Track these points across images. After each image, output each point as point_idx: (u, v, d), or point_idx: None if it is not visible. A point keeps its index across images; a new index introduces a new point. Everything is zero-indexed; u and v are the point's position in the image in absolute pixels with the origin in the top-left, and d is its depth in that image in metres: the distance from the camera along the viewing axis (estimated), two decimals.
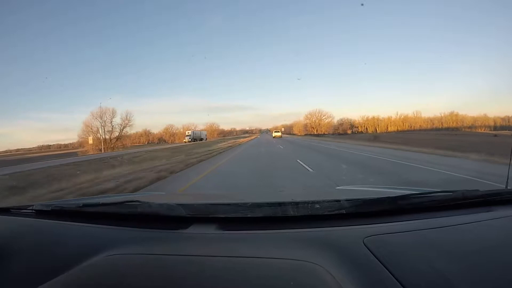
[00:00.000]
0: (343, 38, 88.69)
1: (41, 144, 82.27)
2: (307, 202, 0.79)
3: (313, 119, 75.60)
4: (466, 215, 0.80)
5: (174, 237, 0.75)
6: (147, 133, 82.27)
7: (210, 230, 0.75)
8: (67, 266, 0.64)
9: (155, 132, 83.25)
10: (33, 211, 0.97)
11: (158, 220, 0.82)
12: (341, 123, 75.20)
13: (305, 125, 77.04)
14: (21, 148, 75.04)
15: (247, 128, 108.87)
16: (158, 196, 1.51)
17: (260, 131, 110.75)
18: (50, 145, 79.98)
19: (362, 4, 51.37)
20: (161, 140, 72.66)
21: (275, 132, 47.68)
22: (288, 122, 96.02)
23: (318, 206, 0.77)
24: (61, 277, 0.60)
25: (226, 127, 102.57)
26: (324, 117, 75.72)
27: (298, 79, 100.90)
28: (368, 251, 0.61)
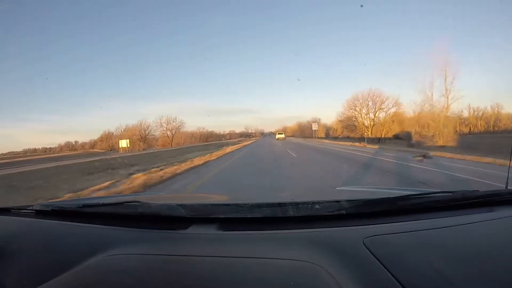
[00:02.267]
0: (343, 38, 78.98)
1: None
2: (307, 203, 0.79)
3: (362, 109, 34.04)
4: (466, 216, 0.79)
5: (174, 238, 0.75)
6: (108, 137, 56.13)
7: (210, 231, 0.76)
8: (67, 266, 0.64)
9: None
10: (33, 211, 0.98)
11: (158, 221, 0.82)
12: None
13: (347, 121, 36.85)
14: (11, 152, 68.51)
15: (243, 130, 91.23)
16: (158, 197, 1.53)
17: (262, 134, 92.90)
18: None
19: (361, 5, 45.41)
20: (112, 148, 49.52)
21: (278, 134, 44.37)
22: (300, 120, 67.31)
23: (318, 206, 0.77)
24: (61, 277, 0.61)
25: (227, 130, 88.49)
26: (383, 105, 32.93)
27: (298, 79, 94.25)
28: (368, 251, 0.61)
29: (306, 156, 11.41)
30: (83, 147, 73.26)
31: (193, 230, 0.77)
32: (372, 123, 34.02)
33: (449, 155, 10.08)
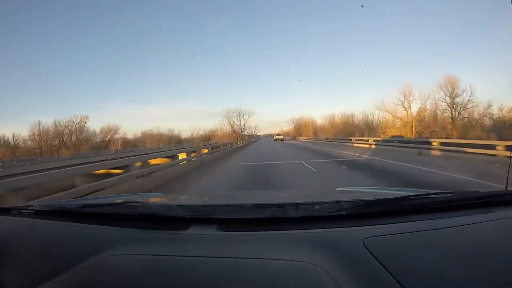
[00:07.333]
0: (344, 39, 78.18)
1: None
2: (307, 203, 0.79)
3: None
4: (466, 216, 0.79)
5: (173, 238, 0.75)
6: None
7: (210, 231, 0.75)
8: (67, 266, 0.64)
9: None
10: (33, 211, 0.98)
11: (158, 221, 0.82)
12: None
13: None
14: None
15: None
16: (158, 197, 1.53)
17: (254, 137, 58.62)
18: None
19: (362, 6, 45.46)
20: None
21: (276, 135, 42.69)
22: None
23: (318, 207, 0.77)
24: (61, 277, 0.61)
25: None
26: None
27: (298, 80, 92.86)
28: (368, 252, 0.61)
29: None
30: None
31: (193, 230, 0.77)
32: None
33: None
